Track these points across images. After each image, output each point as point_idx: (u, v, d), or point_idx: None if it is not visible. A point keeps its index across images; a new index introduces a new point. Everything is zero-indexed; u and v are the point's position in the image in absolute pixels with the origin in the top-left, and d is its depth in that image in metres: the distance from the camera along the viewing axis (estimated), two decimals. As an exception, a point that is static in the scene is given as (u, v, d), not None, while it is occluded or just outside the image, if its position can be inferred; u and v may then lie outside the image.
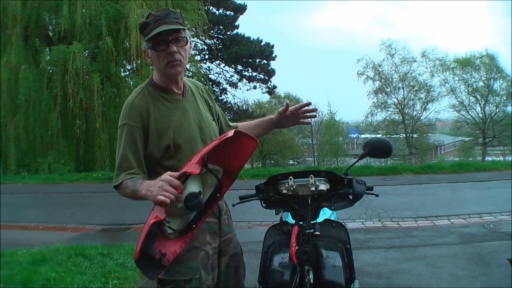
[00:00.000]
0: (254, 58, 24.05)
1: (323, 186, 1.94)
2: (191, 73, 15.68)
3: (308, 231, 1.86)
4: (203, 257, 1.79)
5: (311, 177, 1.95)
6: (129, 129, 1.74)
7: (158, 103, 1.79)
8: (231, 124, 2.14)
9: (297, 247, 1.82)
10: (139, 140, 1.74)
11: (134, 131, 1.74)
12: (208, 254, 1.81)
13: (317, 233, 1.86)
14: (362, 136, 35.33)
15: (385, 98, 30.37)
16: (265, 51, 23.91)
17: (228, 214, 1.99)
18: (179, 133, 1.78)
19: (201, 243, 1.80)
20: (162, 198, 1.44)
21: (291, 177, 1.96)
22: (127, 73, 15.05)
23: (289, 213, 2.08)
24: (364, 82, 30.38)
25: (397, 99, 30.05)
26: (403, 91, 29.92)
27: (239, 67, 25.01)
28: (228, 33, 24.18)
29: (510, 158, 25.76)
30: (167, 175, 1.50)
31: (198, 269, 1.75)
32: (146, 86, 1.83)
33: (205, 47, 23.57)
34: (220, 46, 24.03)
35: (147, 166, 1.77)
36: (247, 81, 25.56)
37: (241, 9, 24.00)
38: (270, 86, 26.00)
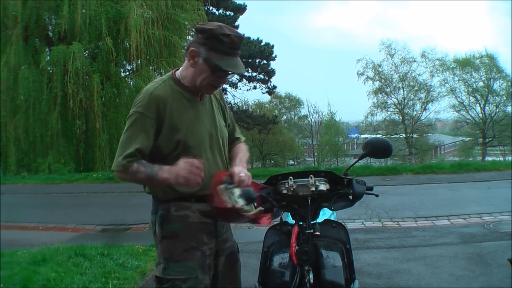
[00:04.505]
0: (254, 58, 24.06)
1: (323, 186, 1.94)
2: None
3: (308, 231, 1.86)
4: (200, 257, 1.80)
5: (311, 177, 1.95)
6: (143, 119, 1.73)
7: (177, 99, 1.79)
8: (237, 136, 2.12)
9: (297, 247, 1.82)
10: (151, 131, 1.74)
11: (148, 121, 1.73)
12: (205, 254, 1.82)
13: (317, 233, 1.86)
14: (362, 136, 35.35)
15: (385, 98, 30.45)
16: (265, 51, 23.92)
17: None
18: (190, 134, 1.79)
19: (198, 243, 1.80)
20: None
21: (291, 177, 1.96)
22: (127, 73, 15.03)
23: (289, 213, 2.09)
24: (364, 82, 30.48)
25: (397, 99, 30.10)
26: (403, 91, 29.99)
27: (239, 67, 24.99)
28: (228, 33, 24.17)
29: (510, 158, 25.77)
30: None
31: (195, 269, 1.77)
32: (168, 79, 1.84)
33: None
34: (220, 46, 23.99)
35: (153, 160, 1.76)
36: (247, 81, 25.59)
37: (241, 9, 24.01)
38: (270, 86, 26.04)
